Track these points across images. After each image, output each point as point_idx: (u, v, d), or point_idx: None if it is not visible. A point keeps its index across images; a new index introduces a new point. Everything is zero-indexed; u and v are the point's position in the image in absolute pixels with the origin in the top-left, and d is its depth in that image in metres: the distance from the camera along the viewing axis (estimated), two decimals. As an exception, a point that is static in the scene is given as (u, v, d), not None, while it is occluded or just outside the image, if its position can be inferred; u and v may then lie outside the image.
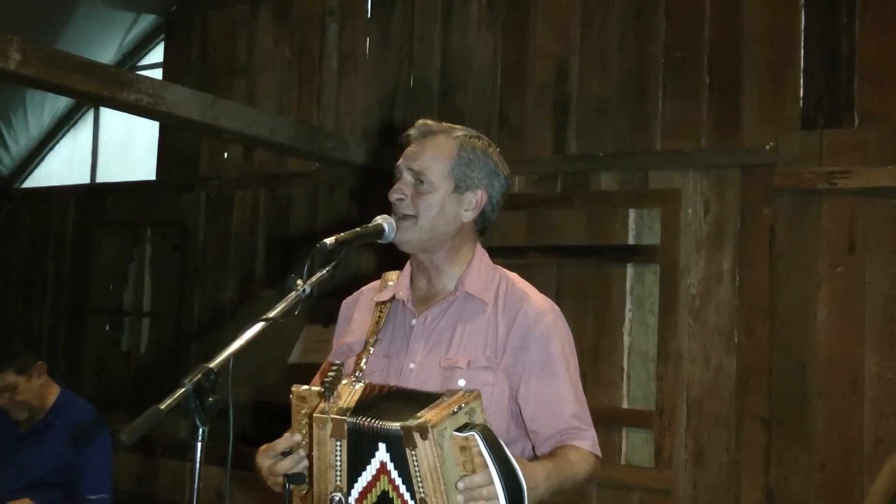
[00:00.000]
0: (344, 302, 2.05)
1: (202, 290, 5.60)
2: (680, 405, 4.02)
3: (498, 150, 1.94)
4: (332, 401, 1.61)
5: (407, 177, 1.85)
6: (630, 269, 4.20)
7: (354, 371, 1.83)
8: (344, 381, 1.66)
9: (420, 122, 1.90)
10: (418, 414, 1.51)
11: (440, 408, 1.52)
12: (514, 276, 1.93)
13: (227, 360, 1.49)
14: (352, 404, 1.60)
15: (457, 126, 1.91)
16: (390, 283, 1.97)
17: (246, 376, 4.48)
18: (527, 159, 4.48)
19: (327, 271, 1.69)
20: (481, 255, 1.93)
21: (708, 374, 3.98)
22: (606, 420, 4.11)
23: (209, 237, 5.63)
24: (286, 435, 1.69)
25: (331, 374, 1.64)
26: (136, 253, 6.06)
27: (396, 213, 1.84)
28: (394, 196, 1.85)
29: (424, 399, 1.57)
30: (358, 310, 2.00)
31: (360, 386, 1.65)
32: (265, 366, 4.68)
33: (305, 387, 1.67)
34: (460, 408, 1.51)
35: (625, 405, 4.14)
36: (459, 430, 1.49)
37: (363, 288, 2.04)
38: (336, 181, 5.16)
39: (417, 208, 1.83)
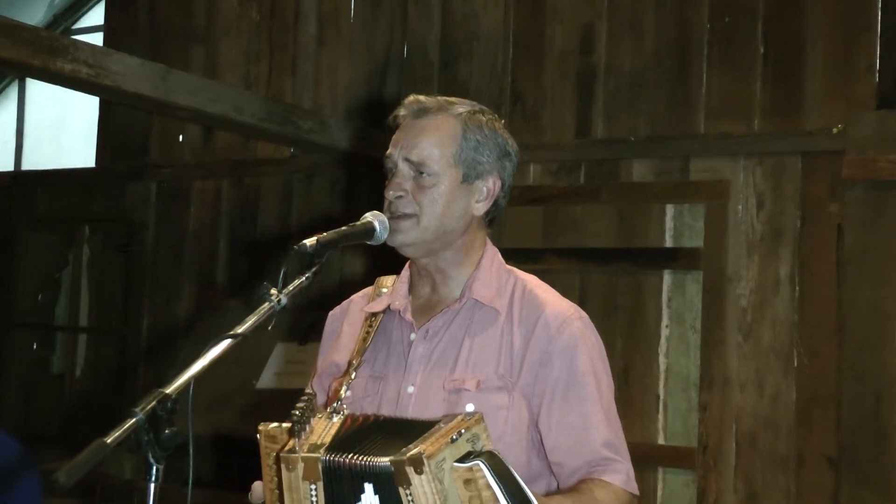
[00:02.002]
0: (331, 313, 2.05)
1: (152, 301, 5.59)
2: (728, 441, 4.01)
3: (503, 122, 1.96)
4: (303, 437, 1.62)
5: (404, 168, 1.87)
6: (668, 277, 4.20)
7: (333, 399, 1.83)
8: (319, 415, 1.67)
9: (411, 98, 1.91)
10: (410, 445, 1.51)
11: (436, 436, 1.52)
12: (531, 278, 1.95)
13: (186, 385, 1.50)
14: (327, 440, 1.61)
15: (454, 99, 1.92)
16: (384, 290, 1.98)
17: (206, 404, 4.45)
18: (544, 145, 4.47)
19: (306, 279, 1.69)
20: (492, 253, 1.94)
21: (762, 403, 3.98)
22: (639, 458, 3.99)
23: (161, 237, 5.62)
24: (256, 485, 1.71)
25: (300, 404, 1.65)
26: (72, 256, 6.03)
27: (393, 212, 1.85)
28: (392, 193, 1.86)
29: (418, 428, 1.58)
30: (348, 322, 2.00)
31: (338, 418, 1.66)
32: (229, 392, 4.67)
33: (275, 424, 1.68)
34: (460, 434, 1.52)
35: (661, 440, 4.14)
36: (461, 460, 1.50)
37: (353, 296, 2.05)
38: (315, 170, 5.15)
39: (420, 205, 1.85)
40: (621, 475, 1.81)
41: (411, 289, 1.96)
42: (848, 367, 3.82)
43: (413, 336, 1.89)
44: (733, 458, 4.00)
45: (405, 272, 1.98)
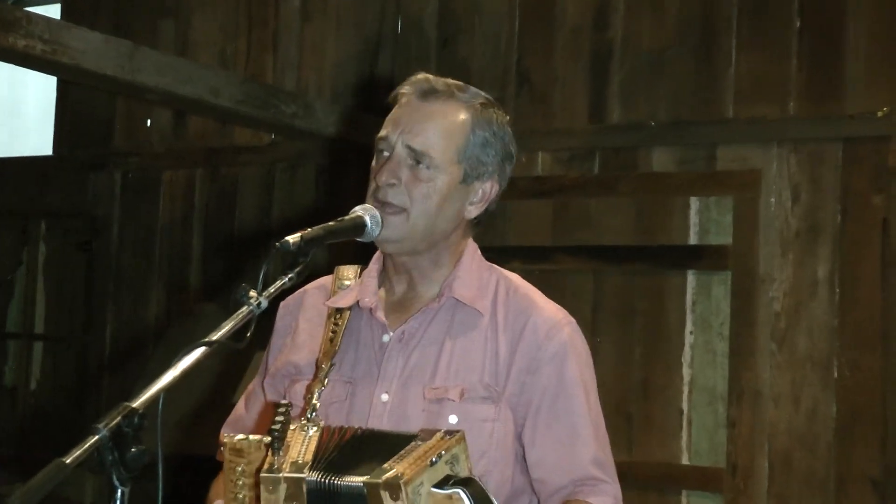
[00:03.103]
0: (282, 304, 2.04)
1: (117, 306, 5.58)
2: (759, 461, 4.01)
3: (508, 118, 1.97)
4: (281, 453, 1.64)
5: (401, 153, 1.87)
6: (692, 278, 4.20)
7: (306, 408, 1.83)
8: (293, 426, 1.69)
9: (420, 76, 1.91)
10: (386, 465, 1.55)
11: (414, 456, 1.56)
12: (514, 277, 1.98)
13: (155, 399, 1.50)
14: (308, 457, 1.63)
15: (466, 86, 1.92)
16: (347, 282, 1.98)
17: (177, 420, 4.46)
18: (554, 130, 4.47)
19: (289, 279, 1.70)
20: (472, 249, 1.97)
21: (798, 418, 3.97)
22: (660, 480, 4.11)
23: (127, 233, 5.61)
24: None
25: (280, 418, 1.67)
26: (26, 254, 6.01)
27: (379, 199, 1.86)
28: (384, 179, 1.85)
29: (395, 443, 1.61)
30: (304, 317, 2.00)
31: (314, 431, 1.68)
32: (203, 406, 4.65)
33: (241, 436, 1.70)
34: (440, 455, 1.55)
35: (685, 460, 4.14)
36: (440, 484, 1.54)
37: (307, 287, 2.04)
38: (299, 158, 5.16)
39: (412, 198, 1.85)
40: (609, 498, 1.83)
41: (381, 283, 1.96)
42: (893, 379, 3.82)
43: (386, 338, 1.90)
44: (766, 480, 3.99)
45: (374, 265, 1.97)
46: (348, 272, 1.99)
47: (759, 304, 4.05)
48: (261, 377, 2.05)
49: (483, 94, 1.94)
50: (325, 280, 2.02)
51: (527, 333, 1.86)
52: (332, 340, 1.92)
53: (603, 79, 4.43)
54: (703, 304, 4.17)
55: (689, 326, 4.18)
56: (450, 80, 1.91)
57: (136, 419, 1.45)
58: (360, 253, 1.99)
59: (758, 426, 4.01)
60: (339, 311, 1.94)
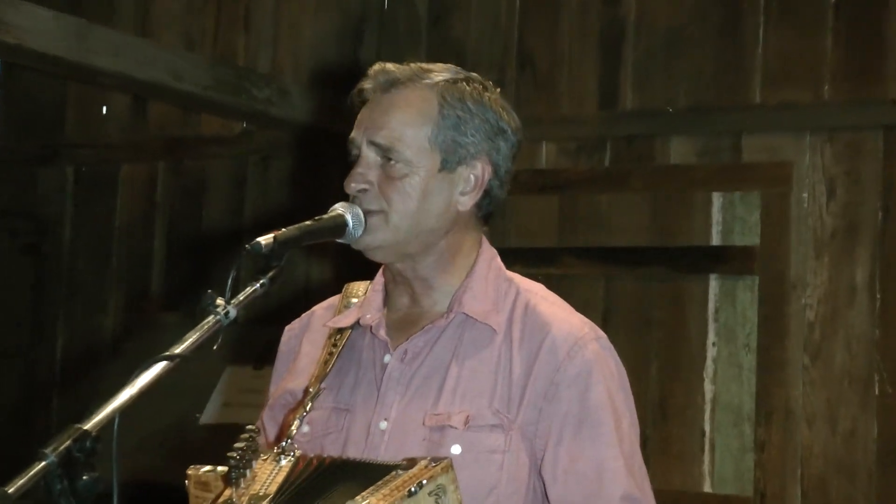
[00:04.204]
0: (287, 329, 2.09)
1: (69, 315, 5.58)
2: (791, 489, 4.01)
3: (498, 91, 1.99)
4: (242, 486, 1.66)
5: (368, 154, 1.90)
6: (714, 283, 4.20)
7: (283, 437, 1.85)
8: (263, 457, 1.71)
9: (376, 67, 1.95)
10: (358, 497, 1.55)
11: (391, 487, 1.56)
12: (537, 287, 1.98)
13: (110, 420, 1.50)
14: (271, 489, 1.65)
15: (431, 66, 1.95)
16: (354, 300, 2.01)
17: (136, 444, 4.45)
18: (560, 118, 4.47)
19: (262, 286, 1.72)
20: (488, 256, 1.98)
21: (834, 441, 3.97)
22: None
23: (80, 235, 5.60)
24: None
25: (240, 444, 1.69)
26: (-33, 259, 6.02)
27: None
28: (352, 186, 1.89)
29: (374, 473, 1.62)
30: (308, 340, 2.03)
31: (287, 461, 1.70)
32: (166, 428, 4.67)
33: (207, 468, 1.72)
34: (421, 485, 1.55)
35: (707, 488, 4.14)
36: None
37: (315, 308, 2.08)
38: (273, 150, 5.17)
39: (389, 200, 1.88)
40: None
41: (386, 299, 1.98)
42: (942, 396, 3.84)
43: (388, 358, 1.91)
44: (798, 510, 4.02)
45: (379, 278, 2.00)
46: (358, 289, 2.03)
47: (791, 312, 4.04)
48: (263, 409, 2.08)
49: (456, 69, 1.96)
50: (334, 299, 2.05)
51: (544, 352, 1.86)
52: (326, 362, 1.95)
53: (615, 60, 4.42)
54: (727, 312, 4.16)
55: (711, 338, 4.18)
56: (413, 65, 1.94)
57: (88, 443, 1.46)
58: (377, 266, 2.01)
59: (789, 450, 4.00)
60: (341, 330, 1.97)
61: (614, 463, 1.83)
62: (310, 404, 1.88)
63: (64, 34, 3.90)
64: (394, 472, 1.60)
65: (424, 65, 1.94)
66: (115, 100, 5.55)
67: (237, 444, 1.69)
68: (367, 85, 1.94)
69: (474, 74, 1.97)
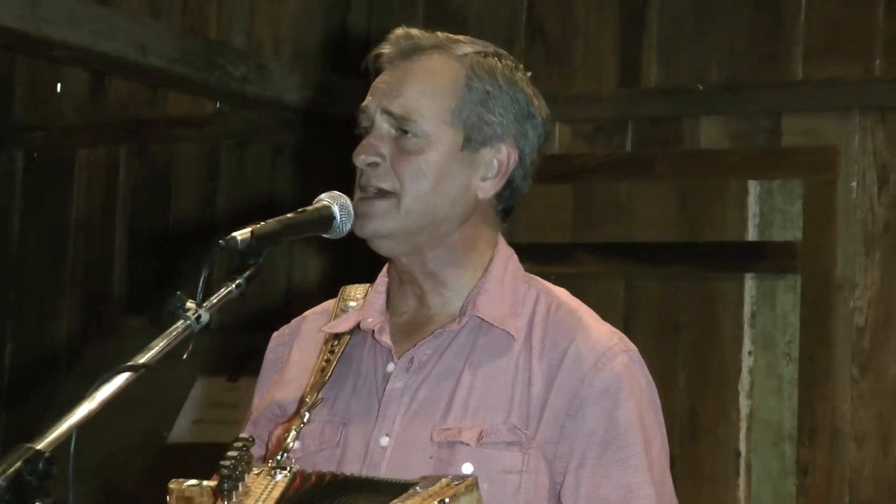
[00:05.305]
0: (275, 335, 2.10)
1: (19, 319, 5.57)
2: (839, 516, 4.05)
3: (529, 74, 2.01)
4: (234, 500, 1.67)
5: (382, 124, 1.91)
6: (750, 284, 4.22)
7: (277, 451, 1.85)
8: (256, 470, 1.73)
9: (400, 31, 1.96)
10: None
11: None
12: (560, 292, 1.99)
13: (66, 438, 1.51)
14: None
15: (459, 37, 1.97)
16: (352, 304, 2.02)
17: (97, 464, 4.44)
18: (575, 97, 4.48)
19: (237, 287, 1.72)
20: (505, 256, 1.99)
21: (887, 463, 3.99)
22: None
23: (31, 228, 5.60)
24: None
25: (233, 453, 1.70)
26: None
27: (364, 187, 1.90)
28: (361, 157, 1.89)
29: (387, 490, 1.65)
30: (298, 347, 2.04)
31: (283, 476, 1.72)
32: (130, 447, 4.66)
33: (192, 482, 1.73)
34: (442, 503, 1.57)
35: (743, 515, 4.17)
36: None
37: (307, 313, 2.09)
38: (250, 134, 5.19)
39: (401, 178, 1.88)
40: None
41: (390, 301, 1.99)
42: None
43: (391, 367, 1.92)
44: (847, 539, 4.04)
45: (382, 279, 2.01)
46: (356, 292, 2.04)
47: (837, 316, 4.06)
48: (245, 423, 2.08)
49: (483, 42, 1.98)
50: (329, 304, 2.06)
51: (567, 363, 1.86)
52: (323, 370, 1.95)
53: (637, 30, 4.46)
54: (765, 316, 4.18)
55: (747, 345, 4.19)
56: (440, 33, 1.96)
57: (41, 465, 1.47)
58: (380, 267, 2.02)
59: (836, 472, 4.02)
60: (338, 336, 1.98)
61: (642, 490, 1.84)
62: (307, 415, 1.89)
63: (12, 1, 3.89)
64: (412, 490, 1.62)
65: (452, 35, 1.96)
66: (70, 76, 5.55)
67: (230, 453, 1.69)
68: (385, 49, 1.95)
69: (504, 51, 1.98)
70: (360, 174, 1.90)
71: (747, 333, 4.19)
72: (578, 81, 4.50)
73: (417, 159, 1.88)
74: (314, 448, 1.90)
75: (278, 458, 1.82)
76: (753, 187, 4.20)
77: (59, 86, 5.63)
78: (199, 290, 1.68)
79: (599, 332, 1.91)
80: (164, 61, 4.33)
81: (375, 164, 1.88)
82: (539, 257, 4.18)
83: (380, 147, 1.89)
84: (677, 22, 4.39)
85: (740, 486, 4.14)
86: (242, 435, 1.77)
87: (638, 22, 4.45)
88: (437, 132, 1.89)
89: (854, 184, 4.08)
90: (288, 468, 1.74)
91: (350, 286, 2.05)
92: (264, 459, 1.88)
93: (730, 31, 4.31)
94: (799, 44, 4.21)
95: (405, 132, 1.89)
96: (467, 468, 1.80)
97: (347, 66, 4.33)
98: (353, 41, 4.87)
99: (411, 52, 1.93)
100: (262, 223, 1.76)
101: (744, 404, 4.16)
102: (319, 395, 1.92)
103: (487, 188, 1.93)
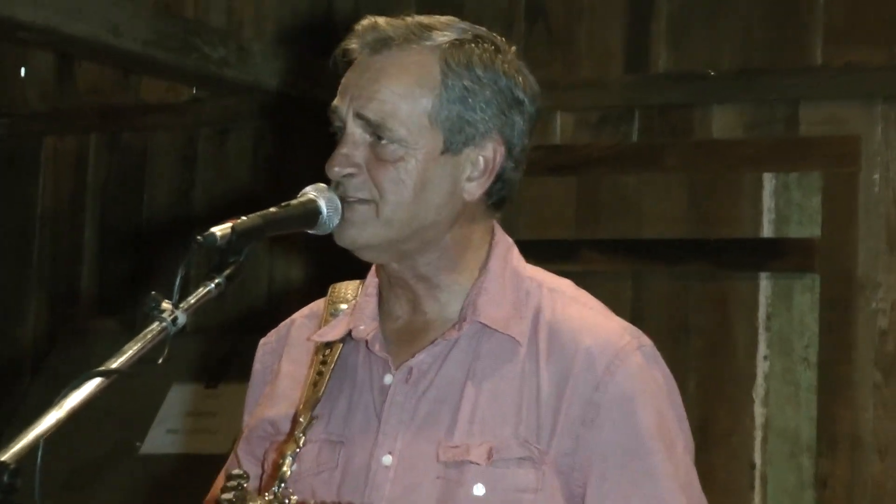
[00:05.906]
0: (262, 343, 2.11)
1: (-20, 321, 5.61)
2: (860, 532, 4.07)
3: (513, 50, 1.99)
4: None
5: (355, 130, 1.90)
6: (766, 284, 4.26)
7: (274, 477, 1.86)
8: (255, 503, 1.75)
9: (366, 22, 1.95)
10: None
11: None
12: (564, 285, 2.01)
13: (33, 449, 1.52)
14: None
15: (431, 21, 1.95)
16: (343, 306, 2.02)
17: (65, 477, 4.46)
18: (579, 84, 4.53)
19: (217, 286, 1.73)
20: (503, 249, 1.99)
21: (912, 475, 4.02)
22: None
23: (-8, 222, 5.64)
24: None
25: (227, 495, 1.73)
26: None
27: (342, 197, 1.91)
28: (336, 170, 1.89)
29: None
30: (289, 356, 2.04)
31: None
32: (100, 458, 4.66)
33: None
34: None
35: (758, 531, 4.19)
36: None
37: (295, 316, 2.10)
38: (230, 121, 5.22)
39: (380, 187, 1.88)
40: None
41: (382, 305, 1.99)
42: None
43: (389, 378, 1.92)
44: (868, 558, 4.07)
45: (371, 279, 2.02)
46: (346, 292, 2.05)
47: (859, 318, 4.11)
48: (237, 442, 2.09)
49: (460, 25, 1.95)
50: (318, 305, 2.07)
51: (578, 367, 1.86)
52: (315, 385, 1.95)
53: (645, 12, 4.49)
54: (781, 318, 4.22)
55: (762, 350, 4.23)
56: (409, 20, 1.94)
57: (6, 477, 1.48)
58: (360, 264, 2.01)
59: (857, 486, 4.06)
60: (329, 345, 1.98)
61: (674, 498, 1.86)
62: (302, 437, 1.89)
63: (-26, -20, 3.95)
64: None
65: (424, 19, 1.94)
66: (36, 59, 5.58)
67: (224, 496, 1.72)
68: (353, 44, 1.93)
69: (483, 31, 1.96)
70: (336, 185, 1.89)
71: (762, 337, 4.21)
72: (582, 67, 4.55)
73: (396, 168, 1.88)
74: (312, 471, 1.90)
75: (275, 489, 1.82)
76: (769, 180, 4.23)
77: (23, 70, 5.65)
78: (176, 289, 1.68)
79: (609, 330, 1.92)
80: (137, 43, 4.37)
81: (351, 176, 1.88)
82: (540, 255, 4.14)
83: (354, 156, 1.88)
84: (688, 3, 4.41)
85: (755, 500, 4.16)
86: (236, 472, 1.77)
87: (646, 3, 4.48)
88: (415, 137, 1.89)
89: (877, 176, 4.12)
90: (287, 500, 1.76)
91: (340, 284, 2.06)
92: (261, 484, 1.90)
93: (744, 13, 4.34)
94: (818, 27, 4.24)
95: (380, 138, 1.88)
96: (479, 489, 1.82)
97: (333, 48, 4.34)
98: (338, 23, 4.90)
99: (381, 46, 1.91)
100: (243, 218, 1.77)
101: (758, 413, 4.19)
102: (313, 414, 1.92)
103: (474, 189, 1.93)
